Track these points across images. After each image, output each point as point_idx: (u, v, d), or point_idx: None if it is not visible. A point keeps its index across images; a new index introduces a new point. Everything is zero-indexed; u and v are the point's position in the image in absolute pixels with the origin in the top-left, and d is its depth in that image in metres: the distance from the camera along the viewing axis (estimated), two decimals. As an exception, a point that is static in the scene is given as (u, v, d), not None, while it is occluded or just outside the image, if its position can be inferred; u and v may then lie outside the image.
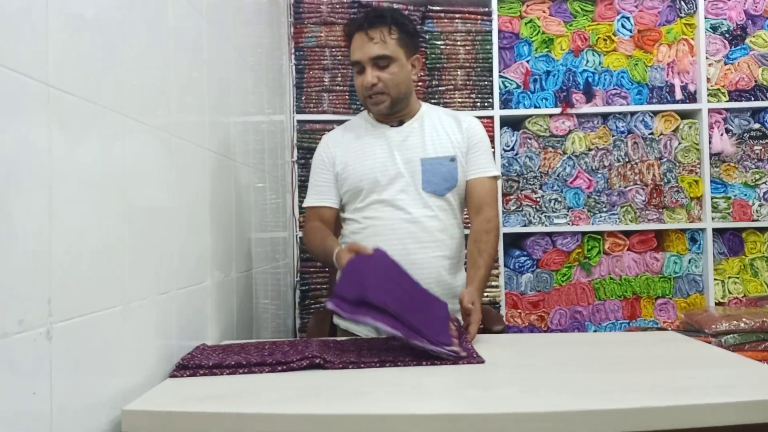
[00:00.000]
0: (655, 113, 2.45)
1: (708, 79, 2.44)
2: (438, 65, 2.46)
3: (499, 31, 2.46)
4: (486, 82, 2.46)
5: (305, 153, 2.43)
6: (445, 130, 1.61)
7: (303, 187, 2.43)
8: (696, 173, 2.44)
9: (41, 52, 0.75)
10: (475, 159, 1.61)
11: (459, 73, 2.46)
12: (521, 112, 2.45)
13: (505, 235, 2.41)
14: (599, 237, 2.45)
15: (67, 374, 0.78)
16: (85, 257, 0.84)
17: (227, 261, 1.50)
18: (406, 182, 1.55)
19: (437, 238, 1.55)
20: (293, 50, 2.45)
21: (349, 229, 1.61)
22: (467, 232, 1.62)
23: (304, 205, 1.67)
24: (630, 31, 2.47)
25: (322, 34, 2.46)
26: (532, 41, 2.47)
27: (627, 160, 2.44)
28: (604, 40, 2.46)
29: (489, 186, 1.62)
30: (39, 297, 0.73)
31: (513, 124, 2.49)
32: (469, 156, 1.61)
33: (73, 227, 0.81)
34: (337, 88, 2.46)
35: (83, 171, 0.84)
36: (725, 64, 2.46)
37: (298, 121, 2.45)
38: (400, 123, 1.62)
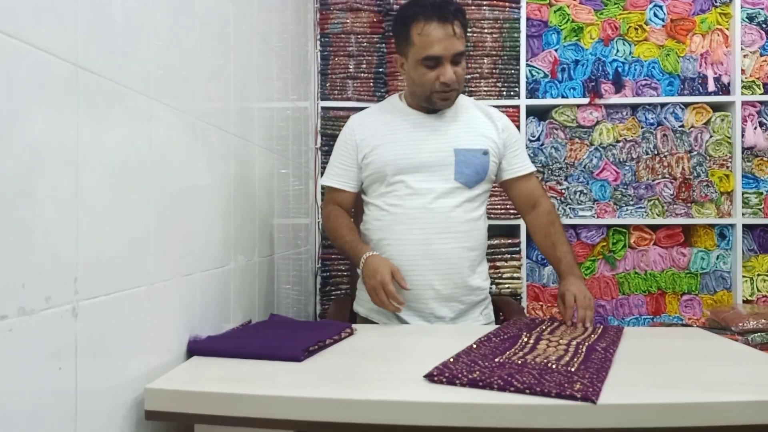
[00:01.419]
0: (687, 105, 2.39)
1: (743, 71, 2.37)
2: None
3: (528, 19, 2.42)
4: (513, 71, 2.42)
5: (329, 140, 2.43)
6: (480, 123, 1.60)
7: (326, 174, 2.43)
8: (727, 167, 2.38)
9: (70, 32, 0.76)
10: (516, 158, 1.62)
11: (485, 61, 2.43)
12: (548, 101, 2.41)
13: (528, 226, 2.38)
14: (625, 231, 2.41)
15: (92, 351, 0.79)
16: (110, 238, 0.85)
17: (250, 245, 1.51)
18: (434, 170, 1.53)
19: (461, 230, 1.53)
20: (318, 36, 2.45)
21: (372, 215, 1.60)
22: (490, 222, 1.62)
23: (323, 182, 1.66)
24: (662, 20, 2.41)
25: (347, 21, 2.44)
26: (561, 29, 2.42)
27: (656, 152, 2.39)
28: (636, 29, 2.41)
29: (536, 181, 1.65)
30: (65, 275, 0.74)
31: (539, 114, 2.46)
32: (508, 155, 1.61)
33: (99, 208, 0.82)
34: (362, 75, 2.45)
35: (110, 152, 0.85)
36: (761, 55, 2.38)
37: (322, 108, 2.44)
38: (434, 111, 1.59)
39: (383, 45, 2.45)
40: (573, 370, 0.97)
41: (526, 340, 1.18)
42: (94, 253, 0.80)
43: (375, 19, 2.45)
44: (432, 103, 1.54)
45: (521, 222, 2.32)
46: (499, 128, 1.60)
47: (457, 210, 1.53)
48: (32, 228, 0.68)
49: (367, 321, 1.59)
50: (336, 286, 2.43)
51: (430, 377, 0.94)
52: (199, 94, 1.18)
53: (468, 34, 2.43)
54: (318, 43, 2.45)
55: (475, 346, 1.14)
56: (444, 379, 0.93)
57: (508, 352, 1.08)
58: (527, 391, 0.87)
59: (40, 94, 0.70)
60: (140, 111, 0.94)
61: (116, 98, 0.87)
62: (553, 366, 0.99)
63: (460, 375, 0.94)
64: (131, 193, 0.91)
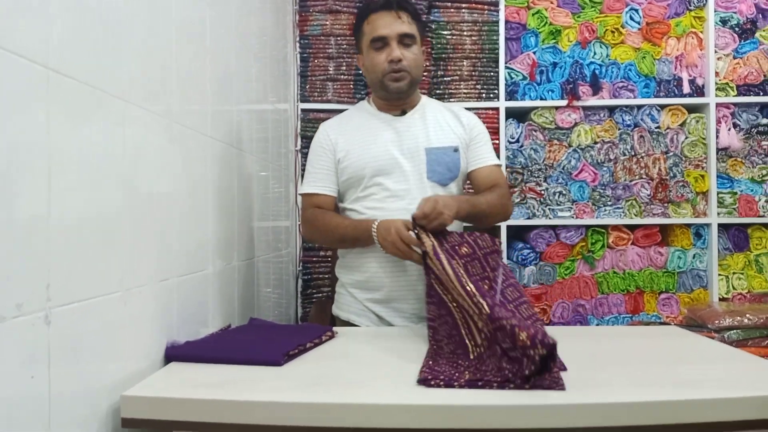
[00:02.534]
0: (662, 107, 2.42)
1: (716, 73, 2.42)
2: (444, 55, 2.44)
3: (506, 22, 2.43)
4: (492, 73, 2.44)
5: (309, 142, 2.39)
6: (447, 122, 1.61)
7: (306, 177, 2.42)
8: (702, 168, 2.42)
9: (43, 35, 0.74)
10: (478, 149, 1.62)
11: (465, 63, 2.44)
12: (527, 103, 2.43)
13: (508, 227, 2.40)
14: (603, 231, 2.43)
15: (65, 359, 0.78)
16: (84, 243, 0.83)
17: (229, 249, 1.50)
18: (409, 171, 1.54)
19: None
20: (298, 39, 2.44)
21: None
22: (466, 224, 1.62)
23: (301, 191, 1.63)
24: (638, 23, 2.44)
25: (327, 23, 2.44)
26: (540, 32, 2.45)
27: (633, 153, 2.42)
28: (612, 32, 2.44)
29: (497, 171, 1.63)
30: (37, 282, 0.73)
31: (518, 116, 2.47)
32: (471, 148, 1.62)
33: (73, 213, 0.80)
34: (342, 77, 2.45)
35: (83, 156, 0.83)
36: (734, 58, 2.43)
37: (302, 110, 2.43)
38: (403, 112, 1.61)
39: (363, 47, 2.45)
40: (515, 323, 0.96)
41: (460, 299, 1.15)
42: (66, 258, 0.79)
43: (354, 21, 2.44)
44: (386, 88, 1.55)
45: (502, 223, 2.34)
46: (464, 123, 1.62)
47: None
48: (3, 233, 0.67)
49: (347, 324, 1.59)
50: (317, 288, 2.42)
51: (425, 383, 0.93)
52: (176, 97, 1.17)
53: (447, 37, 2.44)
54: (297, 45, 2.44)
55: (431, 333, 1.19)
56: (441, 383, 0.93)
57: (464, 332, 1.11)
58: (526, 386, 0.90)
59: (11, 97, 0.68)
60: (115, 114, 0.92)
61: (89, 101, 0.85)
62: (506, 324, 0.98)
63: (455, 376, 0.95)
64: (105, 197, 0.89)
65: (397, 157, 1.54)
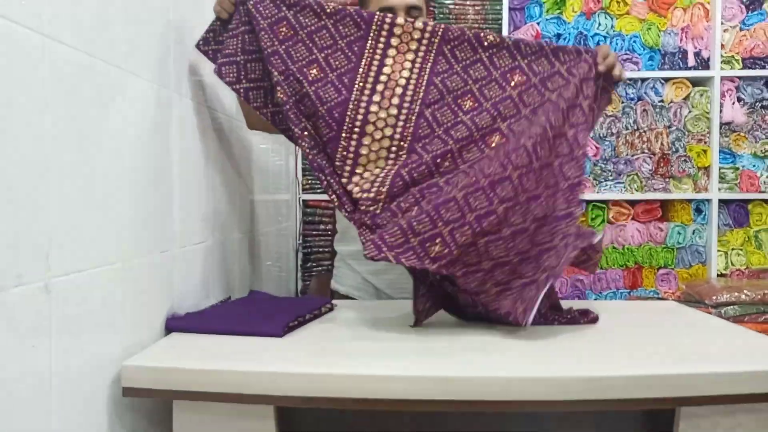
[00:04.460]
0: (667, 80, 2.39)
1: (722, 46, 2.38)
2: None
3: (510, -8, 2.39)
4: (494, 45, 2.40)
5: (309, 114, 2.40)
6: None
7: (306, 149, 2.41)
8: (705, 143, 2.40)
9: (37, 2, 0.73)
10: None
11: (467, 34, 2.40)
12: (529, 76, 2.40)
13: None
14: (603, 206, 2.43)
15: (66, 329, 0.78)
16: (84, 213, 0.83)
17: (230, 221, 1.50)
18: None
19: None
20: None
21: None
22: None
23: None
24: (644, -7, 2.40)
25: (327, -8, 2.39)
26: (544, 2, 2.40)
27: (635, 127, 2.40)
28: (618, 2, 2.39)
29: None
30: (37, 252, 0.72)
31: (521, 88, 2.45)
32: None
33: (72, 183, 0.80)
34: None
35: (81, 126, 0.82)
36: (740, 29, 2.39)
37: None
38: None
39: None
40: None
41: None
42: (66, 228, 0.78)
43: (355, -9, 2.40)
44: None
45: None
46: None
47: None
48: (2, 203, 0.66)
49: (346, 298, 1.59)
50: (317, 262, 2.42)
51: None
52: (175, 67, 1.15)
53: (450, 6, 2.40)
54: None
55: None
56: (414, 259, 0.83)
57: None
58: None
59: (4, 67, 0.67)
60: (113, 83, 0.91)
61: (87, 70, 0.84)
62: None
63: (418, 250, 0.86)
64: (105, 167, 0.89)
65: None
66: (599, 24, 2.40)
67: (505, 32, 2.39)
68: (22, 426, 0.70)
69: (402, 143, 0.99)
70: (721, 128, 2.39)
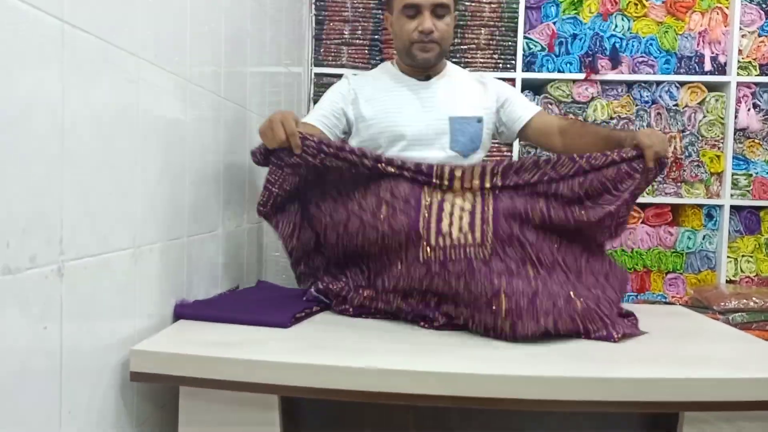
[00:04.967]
0: (682, 84, 2.38)
1: (740, 51, 2.36)
2: (461, 23, 2.39)
3: (527, -10, 2.38)
4: (510, 43, 2.39)
5: (321, 107, 2.41)
6: (472, 89, 1.57)
7: (318, 142, 2.41)
8: (719, 148, 2.38)
9: (56, -14, 0.73)
10: (515, 108, 1.57)
11: (483, 32, 2.39)
12: (544, 75, 2.39)
13: (518, 200, 2.39)
14: (614, 208, 2.42)
15: (77, 312, 0.79)
16: (97, 199, 0.84)
17: (239, 211, 1.51)
18: (429, 140, 1.50)
19: None
20: (314, 0, 2.40)
21: None
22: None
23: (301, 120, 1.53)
24: (663, -4, 2.38)
25: (344, -15, 2.39)
26: (561, 2, 2.39)
27: (649, 131, 2.39)
28: (635, 4, 2.38)
29: (544, 114, 1.59)
30: (51, 236, 0.74)
31: (535, 88, 2.44)
32: (508, 110, 1.57)
33: (86, 168, 0.81)
34: (357, 41, 2.41)
35: (98, 112, 0.83)
36: (759, 35, 2.37)
37: (316, 74, 2.41)
38: (427, 77, 1.55)
39: (379, 11, 2.40)
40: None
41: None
42: (80, 213, 0.79)
43: (373, -16, 2.40)
44: (412, 57, 1.50)
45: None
46: (489, 90, 1.57)
47: None
48: (18, 187, 0.67)
49: None
50: (325, 254, 2.43)
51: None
52: (190, 57, 1.16)
53: (466, 4, 2.39)
54: (313, 7, 2.40)
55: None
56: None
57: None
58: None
59: (26, 52, 0.68)
60: (129, 71, 0.92)
61: (105, 57, 0.85)
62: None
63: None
64: (118, 154, 0.90)
65: (418, 125, 1.49)
66: (616, 25, 2.39)
67: (520, 31, 2.38)
68: (34, 400, 0.72)
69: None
70: (735, 134, 2.37)
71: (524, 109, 1.57)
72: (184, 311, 1.11)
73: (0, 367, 0.66)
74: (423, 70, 1.55)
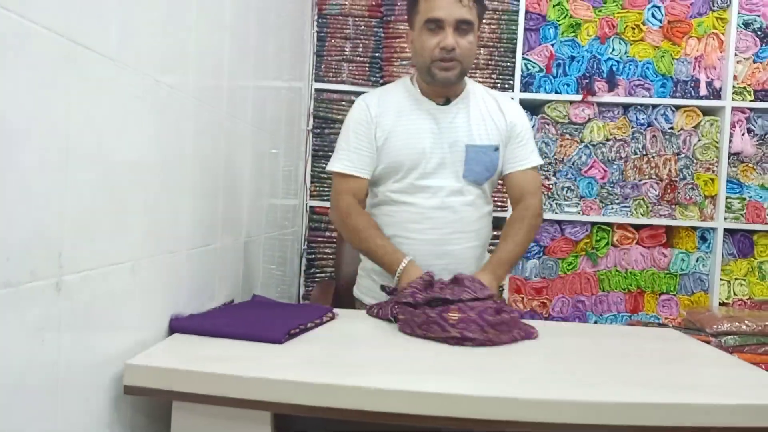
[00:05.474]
0: (677, 107, 2.41)
1: (735, 77, 2.39)
2: (461, 43, 2.42)
3: (526, 12, 2.41)
4: (508, 63, 2.43)
5: (321, 122, 2.43)
6: (491, 116, 1.52)
7: (316, 156, 2.43)
8: (713, 171, 2.41)
9: (64, 7, 0.75)
10: (518, 151, 1.53)
11: (482, 52, 2.42)
12: (541, 96, 2.42)
13: (514, 219, 2.41)
14: (608, 228, 2.44)
15: (75, 325, 0.80)
16: (96, 213, 0.85)
17: (237, 225, 1.52)
18: (446, 167, 1.47)
19: (473, 228, 1.50)
20: (316, 17, 2.43)
21: (383, 208, 1.53)
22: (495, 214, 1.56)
23: (334, 168, 1.50)
24: (660, 21, 2.42)
25: (346, 3, 2.43)
26: (559, 24, 2.43)
27: (644, 153, 2.42)
28: (633, 28, 2.41)
29: (531, 177, 1.55)
30: (50, 250, 0.74)
31: (532, 108, 2.47)
32: (511, 147, 1.53)
33: (86, 183, 0.82)
34: (358, 58, 2.44)
35: (99, 127, 0.85)
36: (754, 62, 2.40)
37: (316, 90, 2.43)
38: (447, 101, 1.51)
39: (380, 29, 2.44)
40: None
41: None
42: (79, 227, 0.80)
43: (373, 3, 2.43)
44: (432, 75, 1.44)
45: (505, 214, 2.34)
46: (507, 117, 1.53)
47: (469, 208, 1.49)
48: (18, 201, 0.68)
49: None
50: (321, 268, 2.44)
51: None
52: (193, 72, 1.17)
53: (466, 24, 2.42)
54: (315, 24, 2.43)
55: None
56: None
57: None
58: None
59: (32, 69, 0.70)
60: (131, 87, 0.93)
61: (108, 73, 0.86)
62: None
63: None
64: (118, 169, 0.91)
65: (439, 153, 1.47)
66: (613, 49, 2.42)
67: (519, 52, 2.41)
68: (30, 414, 0.72)
69: None
70: (729, 158, 2.40)
71: (521, 158, 1.53)
72: (180, 325, 1.11)
73: (-4, 380, 0.66)
74: (443, 92, 1.50)
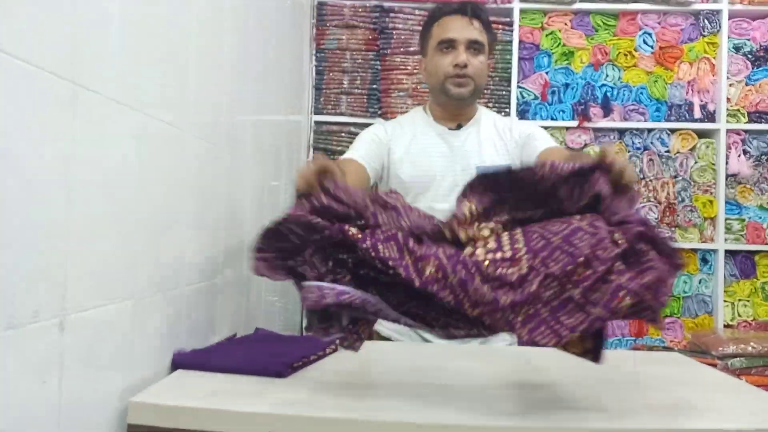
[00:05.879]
0: (673, 131, 2.44)
1: (728, 99, 2.43)
2: (457, 73, 2.47)
3: (520, 42, 2.46)
4: (504, 92, 2.46)
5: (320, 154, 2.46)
6: (501, 137, 1.56)
7: (316, 188, 2.45)
8: (711, 193, 2.43)
9: (67, 51, 0.77)
10: (535, 143, 1.51)
11: (477, 81, 2.46)
12: (538, 123, 2.44)
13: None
14: (610, 252, 2.44)
15: (77, 365, 0.80)
16: (100, 252, 0.86)
17: (239, 259, 1.52)
18: (458, 190, 1.47)
19: None
20: (314, 52, 2.48)
21: None
22: None
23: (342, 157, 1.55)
24: (651, 47, 2.46)
25: (343, 37, 2.48)
26: (552, 53, 2.47)
27: (642, 177, 2.43)
28: (625, 55, 2.46)
29: (557, 151, 1.51)
30: (54, 289, 0.75)
31: (529, 134, 2.49)
32: (527, 148, 1.51)
33: (90, 222, 0.83)
34: (356, 90, 2.48)
35: (102, 167, 0.86)
36: (746, 84, 2.44)
37: (316, 122, 2.47)
38: (458, 126, 1.56)
39: (377, 62, 2.48)
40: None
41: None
42: (83, 266, 0.81)
43: (370, 37, 2.48)
44: (446, 92, 1.50)
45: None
46: (516, 137, 1.55)
47: None
48: (23, 241, 0.70)
49: (387, 341, 1.54)
50: (323, 299, 2.43)
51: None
52: (191, 108, 1.19)
53: (461, 54, 2.47)
54: (313, 58, 2.48)
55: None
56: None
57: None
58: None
59: (37, 110, 0.71)
60: (132, 125, 0.95)
61: (109, 112, 0.88)
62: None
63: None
64: (121, 207, 0.92)
65: (448, 176, 1.50)
66: (607, 75, 2.46)
67: (514, 80, 2.45)
68: (30, 460, 0.72)
69: None
70: (727, 179, 2.41)
71: (547, 142, 1.53)
72: (183, 360, 1.11)
73: (-1, 422, 0.66)
74: (456, 115, 1.54)
